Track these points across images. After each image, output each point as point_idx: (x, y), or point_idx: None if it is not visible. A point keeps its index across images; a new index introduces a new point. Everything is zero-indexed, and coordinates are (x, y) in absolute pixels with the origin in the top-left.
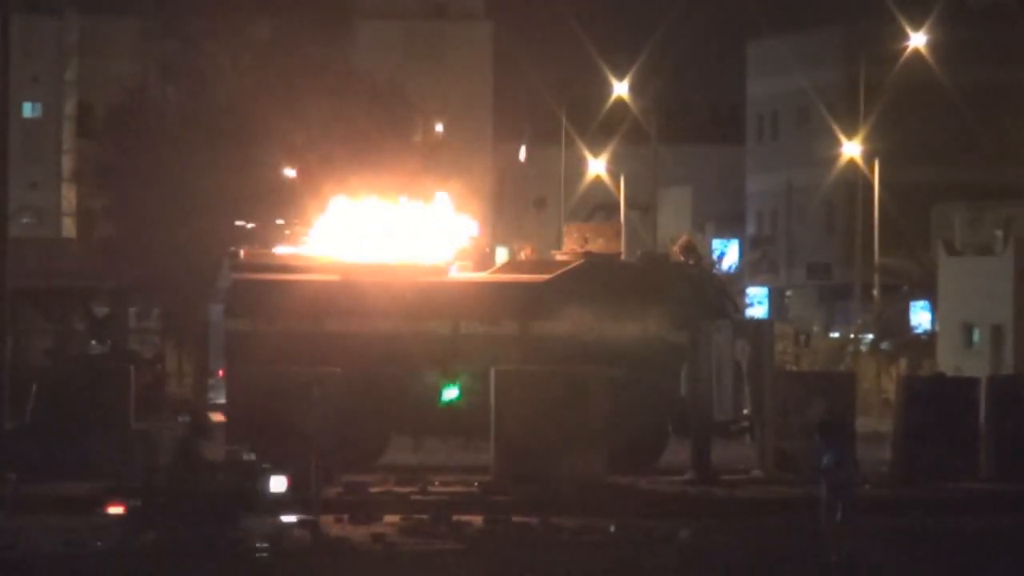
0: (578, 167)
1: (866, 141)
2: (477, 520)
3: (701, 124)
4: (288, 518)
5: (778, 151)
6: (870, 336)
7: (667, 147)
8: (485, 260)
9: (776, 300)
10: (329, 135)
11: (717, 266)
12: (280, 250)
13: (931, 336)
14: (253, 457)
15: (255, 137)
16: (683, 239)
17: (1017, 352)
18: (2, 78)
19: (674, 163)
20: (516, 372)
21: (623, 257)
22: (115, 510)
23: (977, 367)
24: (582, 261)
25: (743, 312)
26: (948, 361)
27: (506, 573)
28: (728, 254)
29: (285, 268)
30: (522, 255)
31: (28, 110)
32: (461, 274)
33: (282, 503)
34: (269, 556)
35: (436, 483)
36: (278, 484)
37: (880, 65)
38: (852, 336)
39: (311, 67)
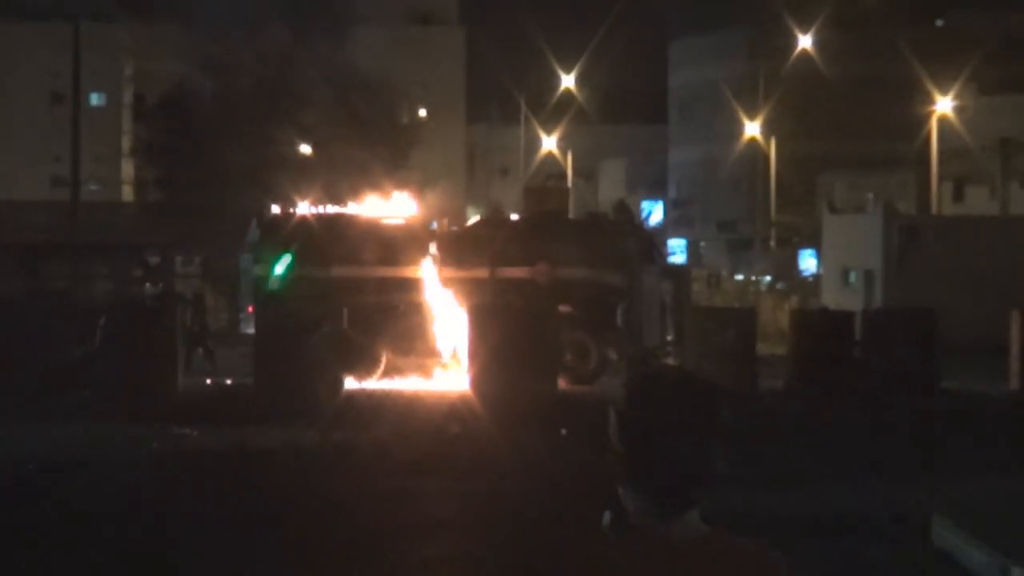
0: (534, 143)
1: (765, 122)
2: (455, 428)
3: (633, 108)
4: None
5: (694, 130)
6: (768, 278)
7: (605, 127)
8: (460, 218)
9: (693, 250)
10: (333, 117)
11: (646, 222)
12: (298, 209)
13: (816, 278)
14: None
15: (274, 119)
16: (618, 201)
17: (885, 290)
18: (75, 76)
19: (611, 140)
20: (486, 307)
21: (570, 215)
22: None
23: (853, 302)
24: (539, 219)
25: (667, 259)
26: (830, 298)
27: (479, 464)
28: (654, 213)
29: (302, 224)
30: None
31: (94, 99)
32: (442, 229)
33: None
34: (287, 456)
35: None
36: None
37: (776, 60)
38: (753, 278)
39: (319, 62)
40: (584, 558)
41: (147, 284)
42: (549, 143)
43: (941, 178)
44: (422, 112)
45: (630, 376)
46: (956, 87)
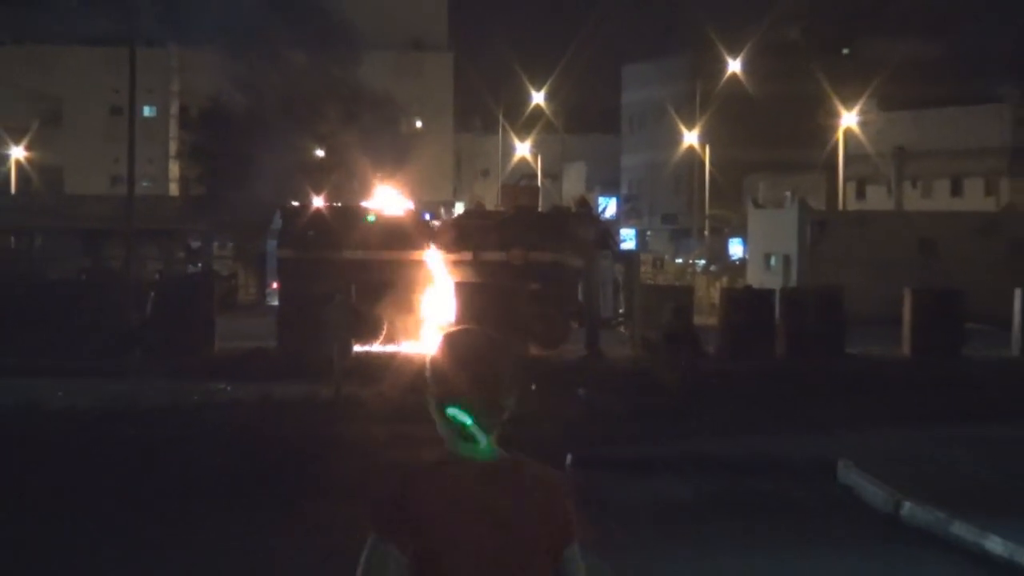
0: (510, 149)
1: (701, 132)
2: None
3: (592, 120)
4: None
5: (643, 139)
6: (702, 261)
7: (569, 136)
8: (449, 210)
9: (641, 238)
10: (343, 128)
11: (602, 215)
12: (316, 202)
13: (743, 261)
14: None
15: (295, 128)
16: (579, 197)
17: (800, 271)
18: (131, 92)
19: (574, 146)
20: (470, 284)
21: (540, 209)
22: None
23: (774, 282)
24: (514, 212)
25: (619, 245)
26: (755, 278)
27: None
28: (609, 207)
29: (317, 215)
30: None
31: (146, 111)
32: (431, 219)
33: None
34: (305, 407)
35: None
36: None
37: (711, 81)
38: (691, 262)
39: (332, 82)
40: (420, 477)
41: (189, 264)
42: (522, 149)
43: (846, 179)
44: (417, 123)
45: (442, 333)
46: (860, 104)
